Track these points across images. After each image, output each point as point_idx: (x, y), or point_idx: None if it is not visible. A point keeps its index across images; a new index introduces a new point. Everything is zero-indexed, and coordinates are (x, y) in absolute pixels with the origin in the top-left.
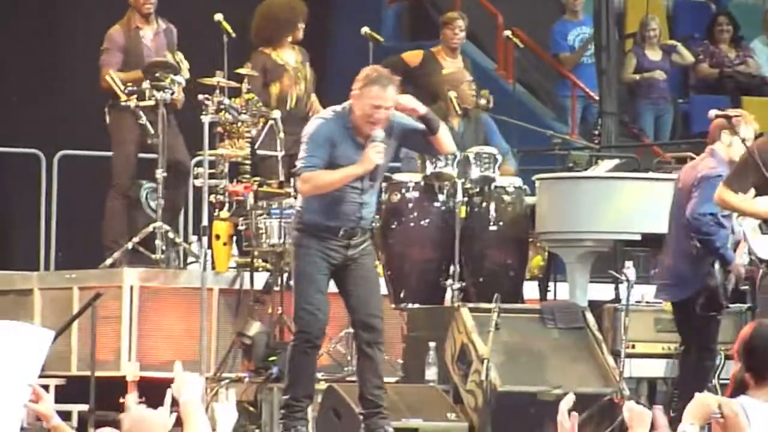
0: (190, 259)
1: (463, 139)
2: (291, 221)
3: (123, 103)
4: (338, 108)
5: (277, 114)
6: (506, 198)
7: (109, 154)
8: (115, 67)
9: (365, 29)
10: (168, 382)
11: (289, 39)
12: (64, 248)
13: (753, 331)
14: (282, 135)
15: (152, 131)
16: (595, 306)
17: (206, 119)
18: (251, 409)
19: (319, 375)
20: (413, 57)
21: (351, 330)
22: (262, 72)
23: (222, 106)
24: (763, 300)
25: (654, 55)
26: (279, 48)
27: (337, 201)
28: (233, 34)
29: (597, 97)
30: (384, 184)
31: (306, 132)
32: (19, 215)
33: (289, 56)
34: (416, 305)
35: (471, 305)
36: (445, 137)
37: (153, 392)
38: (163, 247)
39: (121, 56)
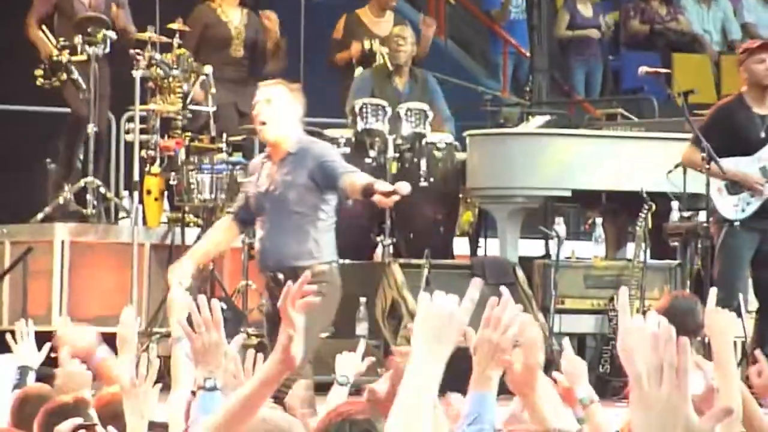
0: (121, 214)
1: (407, 100)
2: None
3: (55, 59)
4: None
5: (209, 69)
6: (437, 154)
7: (40, 109)
8: (41, 20)
9: None
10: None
11: None
12: None
13: (669, 304)
14: (213, 90)
15: (84, 86)
16: (526, 262)
17: (137, 74)
18: None
19: (251, 330)
20: (337, 31)
21: None
22: (202, 27)
23: (153, 61)
24: (723, 257)
25: (586, 11)
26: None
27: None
28: None
29: (528, 54)
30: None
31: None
32: None
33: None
34: (347, 261)
35: (401, 261)
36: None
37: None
38: (95, 202)
39: (48, 10)
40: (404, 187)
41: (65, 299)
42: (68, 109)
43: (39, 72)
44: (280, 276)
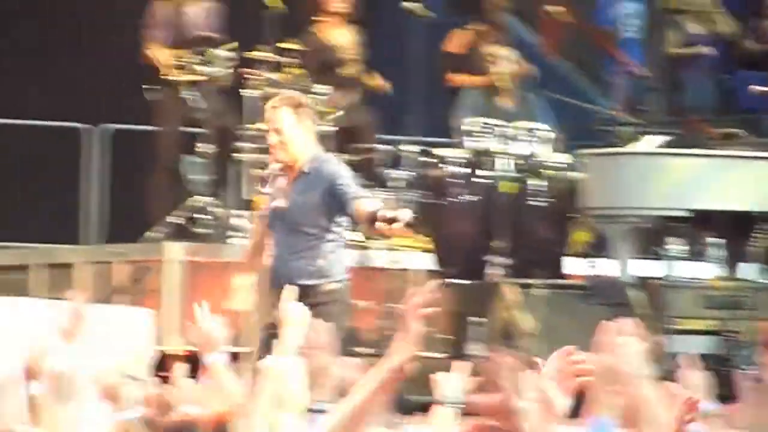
0: (233, 233)
1: (515, 118)
2: None
3: (168, 78)
4: None
5: (324, 89)
6: (551, 173)
7: (154, 128)
8: (158, 41)
9: (407, 3)
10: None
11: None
12: (109, 222)
13: None
14: (328, 110)
15: (198, 105)
16: (641, 282)
17: (249, 93)
18: None
19: (364, 350)
20: (453, 46)
21: (395, 305)
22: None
23: (266, 81)
24: None
25: (698, 29)
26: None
27: None
28: (280, 8)
29: (642, 73)
30: (429, 160)
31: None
32: (61, 189)
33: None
34: (459, 280)
35: (514, 281)
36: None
37: (197, 365)
38: (208, 222)
39: (164, 31)
40: (405, 215)
41: (180, 319)
42: (182, 128)
43: (154, 93)
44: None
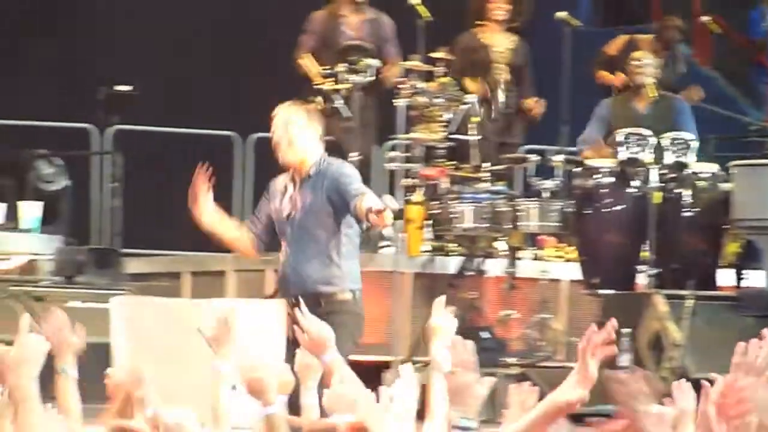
0: (382, 242)
1: (646, 122)
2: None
3: (320, 87)
4: None
5: (473, 98)
6: (701, 184)
7: None
8: (309, 50)
9: (560, 13)
10: (360, 364)
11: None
12: None
13: None
14: (478, 119)
15: (346, 114)
16: None
17: (400, 103)
18: None
19: (512, 360)
20: (611, 48)
21: (544, 315)
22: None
23: (416, 90)
24: None
25: None
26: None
27: None
28: (429, 17)
29: None
30: (577, 169)
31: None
32: (215, 196)
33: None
34: (609, 291)
35: (665, 291)
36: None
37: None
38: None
39: (316, 40)
40: (390, 203)
41: None
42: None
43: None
44: (302, 303)
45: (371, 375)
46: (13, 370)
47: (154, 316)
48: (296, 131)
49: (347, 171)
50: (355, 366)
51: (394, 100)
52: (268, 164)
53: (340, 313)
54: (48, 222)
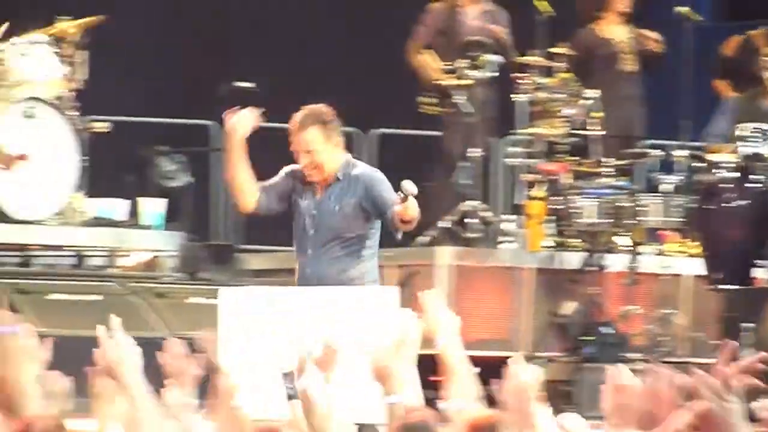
0: (503, 238)
1: None
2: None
3: (439, 83)
4: None
5: (595, 93)
6: None
7: (421, 133)
8: (425, 43)
9: (681, 8)
10: (483, 361)
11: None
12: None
13: None
14: (600, 114)
15: (467, 110)
16: None
17: (520, 98)
18: (566, 388)
19: (634, 355)
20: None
21: (666, 310)
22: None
23: (537, 86)
24: None
25: None
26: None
27: None
28: (550, 12)
29: None
30: (700, 164)
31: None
32: None
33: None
34: (729, 286)
35: None
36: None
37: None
38: (478, 226)
39: (433, 33)
40: (410, 188)
41: None
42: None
43: (426, 99)
44: None
45: (492, 370)
46: (116, 367)
47: (263, 304)
48: (316, 151)
49: (378, 177)
50: (476, 361)
51: (513, 95)
52: (391, 159)
53: None
54: (171, 218)
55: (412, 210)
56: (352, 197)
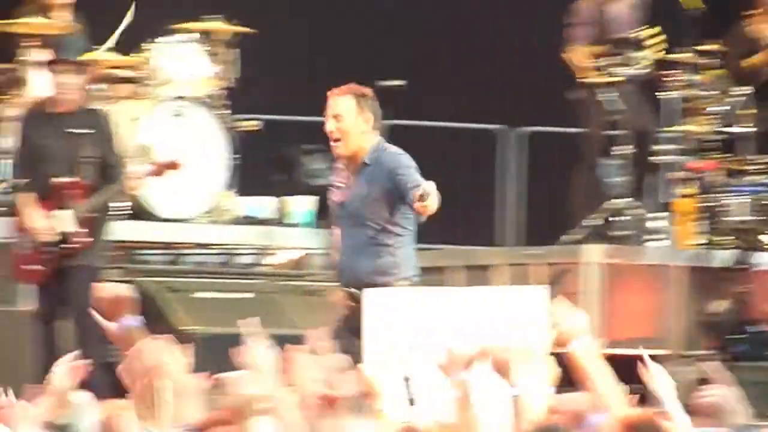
0: (653, 235)
1: None
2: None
3: (587, 80)
4: None
5: (743, 90)
6: None
7: (569, 130)
8: (583, 41)
9: None
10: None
11: None
12: (525, 224)
13: None
14: (751, 111)
15: (616, 107)
16: None
17: (669, 95)
18: None
19: None
20: None
21: None
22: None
23: (688, 83)
24: None
25: None
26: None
27: None
28: (701, 7)
29: None
30: None
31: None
32: (478, 191)
33: None
34: None
35: None
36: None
37: (619, 369)
38: (628, 224)
39: (586, 31)
40: (428, 187)
41: (596, 322)
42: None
43: (574, 92)
44: (356, 292)
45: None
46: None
47: (407, 305)
48: (344, 117)
49: (404, 161)
50: (625, 359)
51: (661, 93)
52: (539, 159)
53: None
54: (320, 217)
55: (430, 209)
56: (378, 182)
